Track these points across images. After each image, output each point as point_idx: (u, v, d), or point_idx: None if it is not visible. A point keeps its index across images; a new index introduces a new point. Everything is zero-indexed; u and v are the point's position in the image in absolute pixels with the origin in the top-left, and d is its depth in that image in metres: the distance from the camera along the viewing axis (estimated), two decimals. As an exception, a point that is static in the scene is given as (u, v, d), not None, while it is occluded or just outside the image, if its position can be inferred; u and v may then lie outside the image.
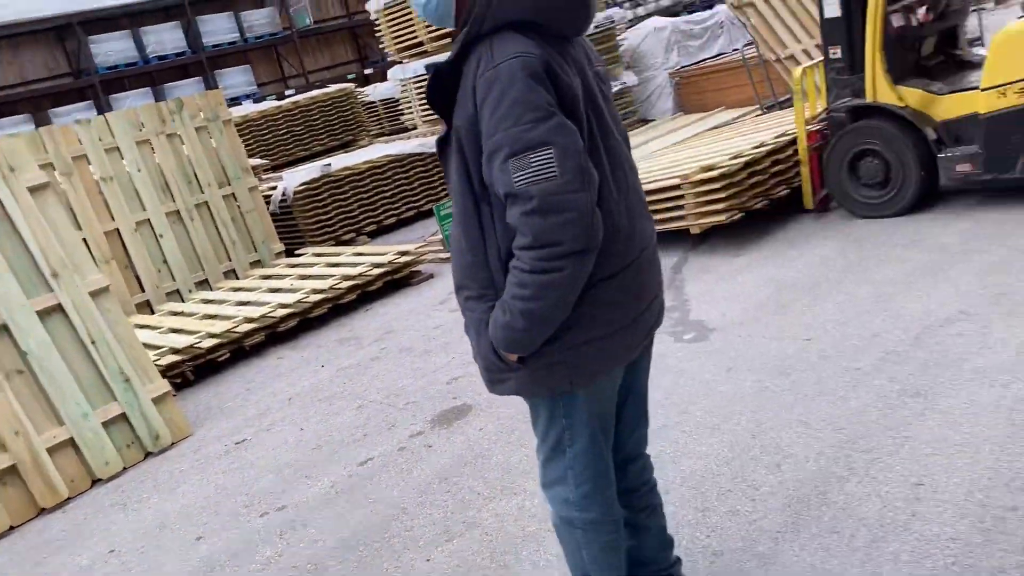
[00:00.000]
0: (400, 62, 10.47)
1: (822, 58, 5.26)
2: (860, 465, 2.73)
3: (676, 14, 13.97)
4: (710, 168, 5.22)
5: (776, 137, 5.60)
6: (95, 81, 18.04)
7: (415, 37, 9.90)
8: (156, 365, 5.09)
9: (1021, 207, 4.66)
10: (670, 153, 6.91)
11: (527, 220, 1.52)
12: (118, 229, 6.78)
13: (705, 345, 3.98)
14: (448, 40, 9.53)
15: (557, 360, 1.69)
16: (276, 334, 5.75)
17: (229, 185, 7.45)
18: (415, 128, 10.72)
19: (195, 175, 7.27)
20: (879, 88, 4.92)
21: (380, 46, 10.65)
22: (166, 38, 18.89)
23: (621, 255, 1.71)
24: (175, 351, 5.35)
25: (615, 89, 10.39)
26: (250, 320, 5.65)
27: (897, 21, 4.84)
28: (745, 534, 2.54)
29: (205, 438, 4.38)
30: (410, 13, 9.78)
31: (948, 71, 5.10)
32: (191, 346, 5.36)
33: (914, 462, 2.67)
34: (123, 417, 4.29)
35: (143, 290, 6.84)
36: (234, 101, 19.33)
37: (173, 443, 4.39)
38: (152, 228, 6.98)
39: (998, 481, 2.48)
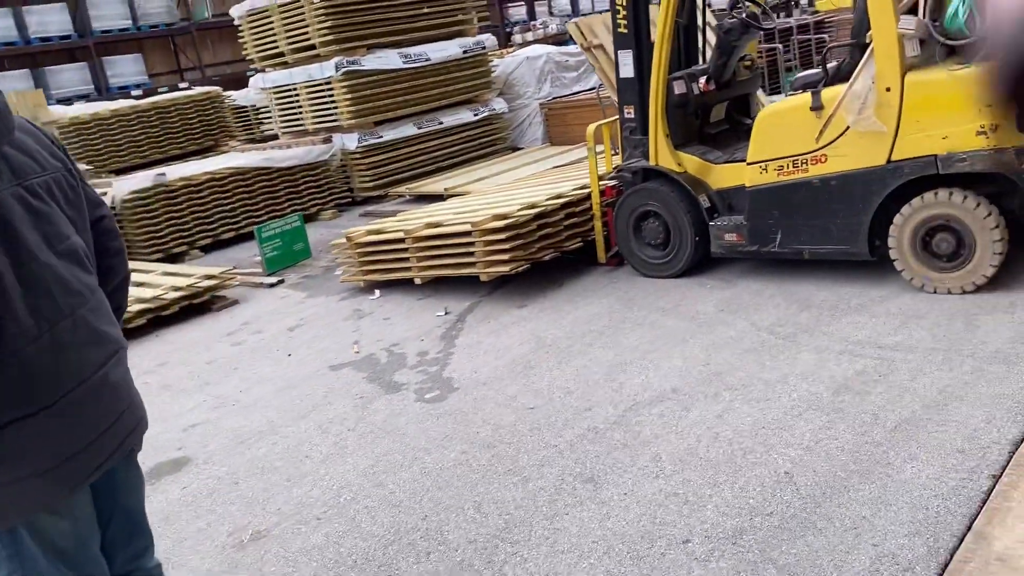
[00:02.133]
0: (261, 70, 10.25)
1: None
2: (500, 559, 2.70)
3: (564, 43, 14.11)
4: (503, 217, 5.21)
5: (575, 189, 5.64)
6: (-33, 58, 17.13)
7: (276, 47, 9.70)
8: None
9: (779, 279, 4.78)
10: (495, 192, 6.91)
11: None
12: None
13: (440, 406, 3.94)
14: (309, 52, 9.36)
15: None
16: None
17: (44, 191, 7.10)
18: (277, 138, 10.49)
19: (5, 178, 6.91)
20: (660, 151, 4.99)
21: (243, 52, 10.38)
22: (50, 19, 18.10)
23: (34, 398, 1.61)
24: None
25: (483, 115, 10.37)
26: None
27: (679, 88, 4.91)
28: (358, 631, 2.48)
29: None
30: (271, 21, 9.58)
31: (730, 140, 5.21)
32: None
33: (548, 559, 2.66)
34: None
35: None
36: (123, 90, 18.65)
37: None
38: (-52, 232, 6.60)
39: (608, 587, 2.48)
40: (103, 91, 18.84)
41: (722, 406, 3.45)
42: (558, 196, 5.52)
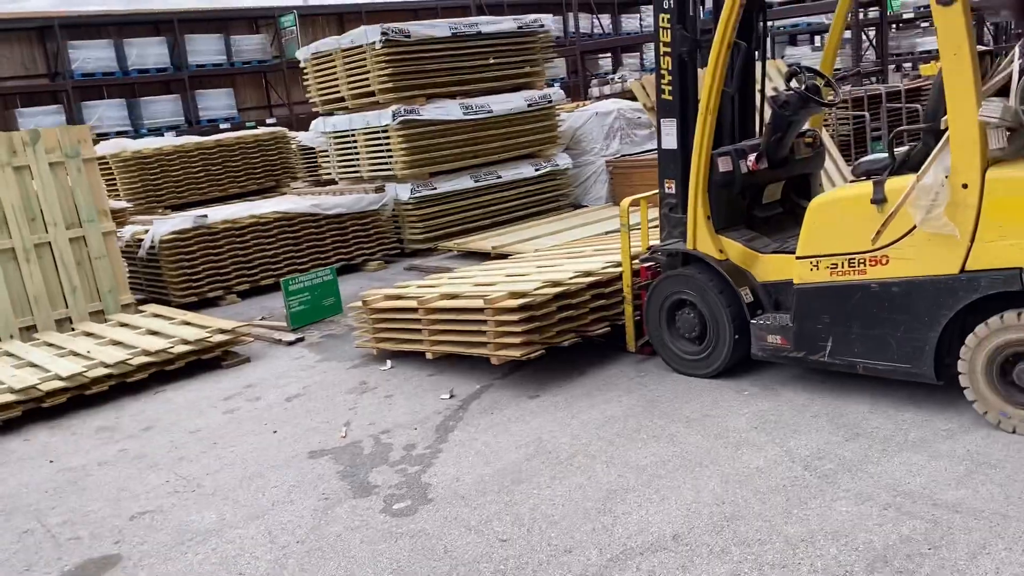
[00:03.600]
0: (324, 114, 10.10)
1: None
2: None
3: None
4: (519, 295, 4.69)
5: (607, 265, 5.07)
6: (68, 87, 17.81)
7: (338, 91, 9.52)
8: None
9: (828, 394, 4.08)
10: (533, 259, 6.41)
11: None
12: (-63, 262, 6.31)
13: (404, 523, 3.40)
14: (369, 99, 9.12)
15: None
16: (41, 410, 5.19)
17: (80, 227, 6.98)
18: (334, 183, 10.28)
19: (41, 213, 6.82)
20: (699, 235, 4.39)
21: (306, 95, 10.27)
22: (149, 52, 18.71)
23: None
24: (-92, 419, 4.82)
25: (544, 170, 9.91)
26: (12, 391, 5.12)
27: (723, 165, 4.32)
28: None
29: None
30: (335, 65, 9.42)
31: (784, 225, 4.56)
32: (-74, 416, 4.84)
33: None
34: None
35: (-47, 331, 6.35)
36: (212, 123, 19.10)
37: None
38: (-22, 265, 6.51)
39: None
40: (193, 123, 19.32)
41: (728, 568, 2.80)
42: (586, 273, 4.96)
